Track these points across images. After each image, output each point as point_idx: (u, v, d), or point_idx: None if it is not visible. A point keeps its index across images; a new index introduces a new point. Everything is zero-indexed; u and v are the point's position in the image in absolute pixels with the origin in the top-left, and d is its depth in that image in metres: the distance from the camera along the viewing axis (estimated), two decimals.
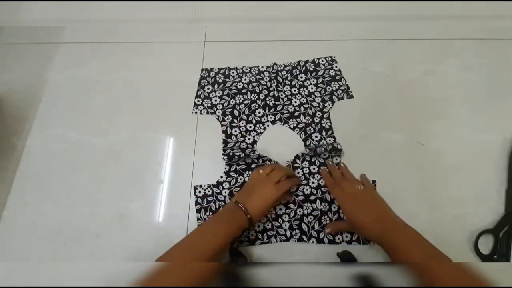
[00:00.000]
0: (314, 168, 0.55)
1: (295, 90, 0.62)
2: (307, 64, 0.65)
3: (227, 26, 0.70)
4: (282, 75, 0.64)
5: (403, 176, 0.54)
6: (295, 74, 0.64)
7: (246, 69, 0.65)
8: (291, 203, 0.52)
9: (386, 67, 0.64)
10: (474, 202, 0.52)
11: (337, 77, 0.63)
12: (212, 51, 0.68)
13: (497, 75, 0.63)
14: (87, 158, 0.58)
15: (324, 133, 0.58)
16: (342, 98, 0.61)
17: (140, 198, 0.54)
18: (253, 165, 0.55)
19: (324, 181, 0.53)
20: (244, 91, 0.63)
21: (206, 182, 0.54)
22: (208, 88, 0.63)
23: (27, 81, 0.66)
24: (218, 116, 0.60)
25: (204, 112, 0.61)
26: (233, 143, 0.57)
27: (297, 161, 0.55)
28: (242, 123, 0.59)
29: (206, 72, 0.65)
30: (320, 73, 0.64)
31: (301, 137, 0.58)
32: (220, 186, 0.54)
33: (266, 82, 0.63)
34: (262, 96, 0.61)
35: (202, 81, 0.64)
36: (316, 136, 0.58)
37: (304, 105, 0.61)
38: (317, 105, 0.61)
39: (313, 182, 0.54)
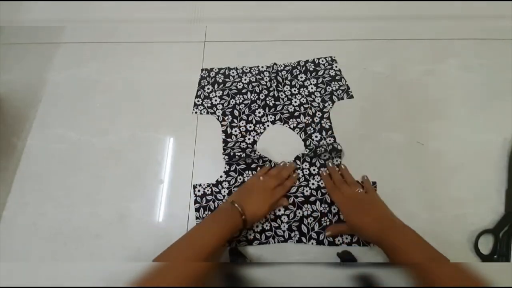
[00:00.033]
0: (314, 170, 0.55)
1: (295, 90, 0.62)
2: (307, 64, 0.65)
3: (227, 26, 0.70)
4: (282, 75, 0.64)
5: (403, 176, 0.54)
6: (295, 74, 0.64)
7: (246, 69, 0.65)
8: (291, 204, 0.52)
9: (386, 67, 0.64)
10: (474, 202, 0.52)
11: (337, 77, 0.63)
12: (212, 51, 0.68)
13: (497, 75, 0.62)
14: (87, 158, 0.58)
15: (324, 133, 0.58)
16: (342, 98, 0.61)
17: (140, 198, 0.54)
18: (253, 165, 0.55)
19: (324, 183, 0.53)
20: (244, 91, 0.63)
21: (206, 182, 0.54)
22: (208, 88, 0.63)
23: (27, 81, 0.66)
24: (218, 116, 0.60)
25: (204, 112, 0.61)
26: (233, 143, 0.57)
27: (297, 162, 0.55)
28: (242, 123, 0.59)
29: (206, 72, 0.65)
30: (320, 73, 0.64)
31: (301, 137, 0.58)
32: (219, 185, 0.54)
33: (266, 82, 0.63)
34: (262, 96, 0.61)
35: (202, 81, 0.64)
36: (316, 136, 0.58)
37: (304, 105, 0.61)
38: (317, 105, 0.61)
39: (313, 184, 0.53)
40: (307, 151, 0.55)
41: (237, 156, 0.54)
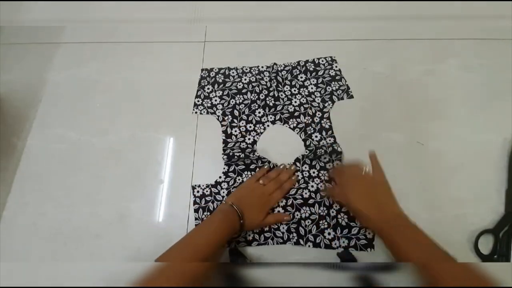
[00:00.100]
0: (314, 172, 0.54)
1: (295, 90, 0.62)
2: (307, 64, 0.65)
3: (227, 26, 0.70)
4: (282, 75, 0.64)
5: (403, 176, 0.54)
6: (295, 74, 0.64)
7: (246, 69, 0.65)
8: (289, 205, 0.52)
9: (386, 67, 0.64)
10: (474, 202, 0.52)
11: (337, 77, 0.63)
12: (212, 51, 0.68)
13: (497, 75, 0.62)
14: (87, 158, 0.58)
15: (324, 133, 0.58)
16: (342, 98, 0.61)
17: (140, 198, 0.54)
18: (252, 166, 0.55)
19: (331, 174, 0.53)
20: (244, 91, 0.63)
21: (206, 182, 0.54)
22: (208, 88, 0.63)
23: (27, 81, 0.66)
24: (218, 116, 0.60)
25: (204, 112, 0.61)
26: (233, 143, 0.57)
27: (297, 164, 0.55)
28: (242, 123, 0.59)
29: (206, 72, 0.65)
30: (320, 73, 0.64)
31: (301, 137, 0.58)
32: (218, 186, 0.54)
33: (266, 82, 0.63)
34: (262, 96, 0.61)
35: (202, 81, 0.64)
36: (316, 136, 0.58)
37: (304, 105, 0.61)
38: (317, 105, 0.61)
39: (312, 186, 0.53)
40: (307, 152, 0.55)
41: (236, 157, 0.54)
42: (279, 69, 0.65)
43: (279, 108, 0.61)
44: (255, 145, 0.57)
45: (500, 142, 0.56)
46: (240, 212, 0.46)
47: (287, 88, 0.63)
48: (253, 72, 0.65)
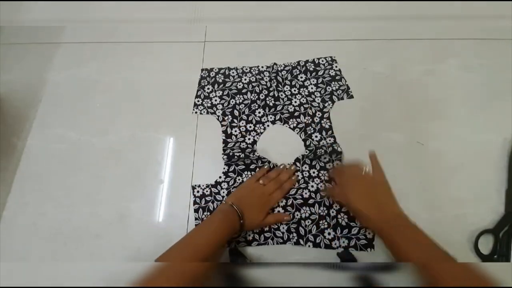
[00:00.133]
0: (314, 172, 0.54)
1: (295, 90, 0.62)
2: (307, 64, 0.65)
3: (227, 26, 0.70)
4: (282, 75, 0.64)
5: (403, 176, 0.54)
6: (295, 74, 0.64)
7: (246, 69, 0.65)
8: (289, 205, 0.52)
9: (386, 67, 0.64)
10: (474, 202, 0.52)
11: (337, 77, 0.63)
12: (212, 51, 0.68)
13: (497, 75, 0.62)
14: (87, 158, 0.58)
15: (324, 133, 0.58)
16: (342, 98, 0.61)
17: (140, 198, 0.54)
18: (252, 166, 0.55)
19: (331, 174, 0.53)
20: (244, 91, 0.63)
21: (206, 182, 0.54)
22: (208, 88, 0.63)
23: (27, 81, 0.66)
24: (218, 116, 0.60)
25: (204, 112, 0.61)
26: (233, 143, 0.57)
27: (297, 164, 0.55)
28: (242, 123, 0.59)
29: (206, 72, 0.65)
30: (320, 73, 0.64)
31: (301, 137, 0.58)
32: (218, 186, 0.54)
33: (266, 82, 0.63)
34: (262, 96, 0.61)
35: (202, 81, 0.64)
36: (316, 136, 0.58)
37: (304, 105, 0.61)
38: (317, 105, 0.61)
39: (312, 186, 0.53)
40: (307, 152, 0.55)
41: (236, 157, 0.54)
42: (279, 69, 0.65)
43: (279, 108, 0.61)
44: (255, 145, 0.57)
45: (500, 142, 0.56)
46: (240, 212, 0.46)
47: (287, 88, 0.63)
48: (253, 72, 0.65)
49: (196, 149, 0.57)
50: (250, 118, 0.60)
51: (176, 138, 0.59)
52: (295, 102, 0.61)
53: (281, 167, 0.55)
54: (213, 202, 0.53)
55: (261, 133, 0.59)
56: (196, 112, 0.61)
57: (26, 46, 0.71)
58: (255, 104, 0.61)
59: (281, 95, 0.62)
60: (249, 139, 0.58)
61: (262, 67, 0.65)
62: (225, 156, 0.55)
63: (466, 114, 0.59)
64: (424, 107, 0.60)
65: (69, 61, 0.68)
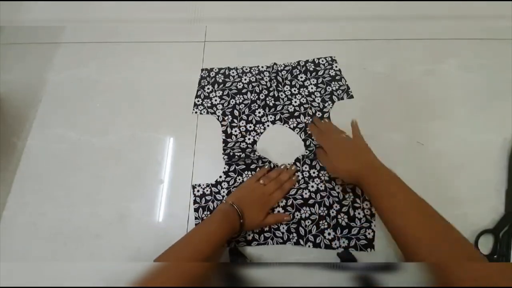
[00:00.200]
0: (314, 172, 0.54)
1: (295, 90, 0.62)
2: (307, 64, 0.65)
3: (227, 26, 0.70)
4: (282, 75, 0.64)
5: (403, 176, 0.53)
6: (295, 74, 0.64)
7: (246, 69, 0.65)
8: (289, 205, 0.52)
9: (386, 67, 0.64)
10: (474, 202, 0.52)
11: (337, 77, 0.63)
12: (212, 51, 0.68)
13: (497, 75, 0.62)
14: (87, 158, 0.58)
15: None
16: (342, 98, 0.61)
17: (140, 198, 0.54)
18: (252, 166, 0.55)
19: (311, 131, 0.56)
20: (244, 91, 0.63)
21: (206, 182, 0.54)
22: (208, 88, 0.63)
23: (27, 81, 0.66)
24: (218, 116, 0.60)
25: (204, 112, 0.61)
26: (233, 143, 0.57)
27: (297, 164, 0.55)
28: (242, 123, 0.59)
29: (206, 72, 0.65)
30: (320, 73, 0.64)
31: (301, 137, 0.58)
32: (218, 185, 0.54)
33: (266, 82, 0.63)
34: (262, 96, 0.61)
35: (202, 81, 0.64)
36: None
37: (304, 105, 0.61)
38: (317, 105, 0.61)
39: (312, 186, 0.53)
40: (307, 152, 0.55)
41: (236, 156, 0.54)
42: (279, 69, 0.65)
43: (279, 108, 0.61)
44: (255, 145, 0.57)
45: (500, 142, 0.56)
46: (240, 211, 0.46)
47: (287, 88, 0.63)
48: (253, 72, 0.65)
49: (196, 149, 0.57)
50: (250, 118, 0.60)
51: (176, 138, 0.59)
52: (295, 102, 0.61)
53: (281, 167, 0.55)
54: (213, 202, 0.53)
55: (261, 133, 0.59)
56: (196, 112, 0.61)
57: (26, 46, 0.71)
58: (255, 104, 0.61)
59: (281, 95, 0.62)
60: (249, 139, 0.58)
61: (262, 67, 0.65)
62: (226, 156, 0.55)
63: (466, 114, 0.59)
64: (424, 107, 0.60)
65: (69, 61, 0.68)
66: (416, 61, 0.65)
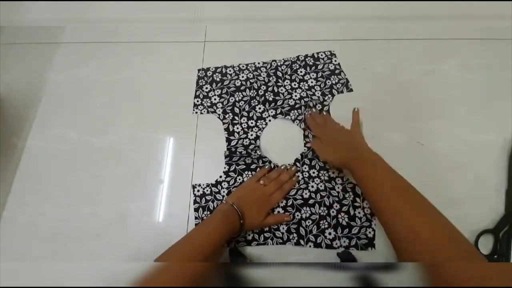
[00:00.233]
0: (314, 172, 0.55)
1: (295, 85, 0.63)
2: (306, 59, 0.66)
3: (227, 26, 0.70)
4: (282, 69, 0.64)
5: (403, 176, 0.53)
6: (295, 68, 0.65)
7: (243, 66, 0.65)
8: (289, 206, 0.52)
9: (386, 67, 0.64)
10: (474, 202, 0.52)
11: (337, 71, 0.64)
12: (212, 51, 0.68)
13: (497, 75, 0.62)
14: (87, 158, 0.58)
15: None
16: (342, 92, 0.62)
17: (140, 198, 0.54)
18: (253, 166, 0.55)
19: (308, 123, 0.57)
20: (242, 88, 0.63)
21: (206, 182, 0.54)
22: (207, 88, 0.63)
23: (27, 81, 0.66)
24: (219, 114, 0.60)
25: (204, 111, 0.61)
26: (236, 140, 0.58)
27: (297, 164, 0.55)
28: (244, 120, 0.59)
29: (203, 72, 0.65)
30: (319, 67, 0.64)
31: (300, 127, 0.58)
32: (219, 185, 0.54)
33: (264, 77, 0.63)
34: (261, 92, 0.62)
35: (200, 81, 0.64)
36: None
37: (304, 99, 0.61)
38: (317, 98, 0.61)
39: (312, 186, 0.53)
40: (306, 150, 0.56)
41: (239, 153, 0.55)
42: (279, 64, 0.65)
43: (279, 102, 0.61)
44: (258, 141, 0.57)
45: (500, 142, 0.56)
46: (240, 211, 0.46)
47: (287, 82, 0.63)
48: (250, 69, 0.65)
49: (196, 149, 0.57)
50: (251, 114, 0.60)
51: (176, 138, 0.59)
52: (296, 96, 0.61)
53: (282, 167, 0.55)
54: (213, 202, 0.53)
55: (263, 128, 0.59)
56: (196, 112, 0.61)
57: (26, 46, 0.71)
58: (254, 100, 0.61)
59: (281, 90, 0.62)
60: (251, 135, 0.58)
61: (259, 63, 0.65)
62: (228, 152, 0.55)
63: (466, 114, 0.59)
64: (424, 107, 0.60)
65: (69, 61, 0.68)
66: (416, 61, 0.65)
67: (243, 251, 0.49)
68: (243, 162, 0.55)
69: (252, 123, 0.59)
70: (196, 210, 0.52)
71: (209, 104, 0.62)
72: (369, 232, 0.49)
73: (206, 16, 0.72)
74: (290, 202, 0.52)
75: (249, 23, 0.71)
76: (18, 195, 0.55)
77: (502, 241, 0.48)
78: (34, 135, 0.60)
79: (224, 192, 0.54)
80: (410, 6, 0.70)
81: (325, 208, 0.52)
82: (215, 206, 0.52)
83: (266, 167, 0.55)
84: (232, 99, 0.62)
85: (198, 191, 0.54)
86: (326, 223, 0.51)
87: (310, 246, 0.49)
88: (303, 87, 0.62)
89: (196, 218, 0.52)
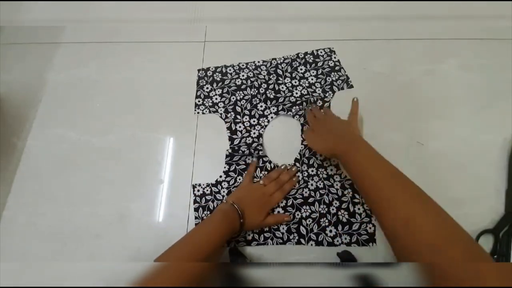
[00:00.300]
0: (312, 171, 0.55)
1: (295, 82, 0.63)
2: (306, 56, 0.66)
3: (227, 26, 0.70)
4: (282, 67, 0.64)
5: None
6: (295, 66, 0.65)
7: (243, 65, 0.65)
8: (289, 206, 0.52)
9: (386, 67, 0.64)
10: (474, 202, 0.52)
11: (337, 68, 0.64)
12: (212, 51, 0.68)
13: (497, 75, 0.62)
14: (87, 158, 0.58)
15: None
16: (342, 88, 0.62)
17: (140, 198, 0.54)
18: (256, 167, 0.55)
19: (308, 116, 0.58)
20: (243, 87, 0.63)
21: (206, 181, 0.54)
22: (207, 88, 0.63)
23: (27, 81, 0.66)
24: (221, 114, 0.60)
25: (206, 111, 0.61)
26: (239, 139, 0.58)
27: (297, 164, 0.55)
28: (246, 119, 0.60)
29: (203, 72, 0.65)
30: (319, 64, 0.65)
31: (300, 122, 0.59)
32: (219, 185, 0.54)
33: (264, 76, 0.63)
34: (262, 90, 0.62)
35: (200, 81, 0.64)
36: None
37: (305, 96, 0.61)
38: (318, 95, 0.61)
39: (311, 185, 0.53)
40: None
41: (241, 152, 0.54)
42: (279, 62, 0.65)
43: (280, 100, 0.61)
44: (260, 138, 0.57)
45: (500, 142, 0.56)
46: (240, 210, 0.46)
47: (287, 80, 0.63)
48: (250, 68, 0.65)
49: (196, 149, 0.58)
50: (253, 113, 0.60)
51: (176, 138, 0.59)
52: (296, 93, 0.61)
53: (281, 167, 0.55)
54: (213, 202, 0.53)
55: (266, 126, 0.59)
56: (198, 113, 0.61)
57: (26, 46, 0.71)
58: (256, 98, 0.61)
59: (282, 87, 0.62)
60: (254, 133, 0.58)
61: (259, 61, 0.65)
62: (231, 151, 0.56)
63: (466, 114, 0.59)
64: (424, 107, 0.60)
65: (69, 61, 0.68)
66: (416, 61, 0.65)
67: (243, 251, 0.49)
68: (243, 162, 0.56)
69: (254, 121, 0.59)
70: (196, 210, 0.52)
71: (210, 103, 0.62)
72: (370, 228, 0.50)
73: (206, 16, 0.72)
74: (290, 202, 0.52)
75: (249, 23, 0.71)
76: (18, 195, 0.55)
77: (502, 241, 0.48)
78: (34, 135, 0.60)
79: (224, 192, 0.54)
80: (410, 6, 0.70)
81: (324, 206, 0.52)
82: (215, 206, 0.52)
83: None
84: (233, 98, 0.62)
85: (198, 191, 0.54)
86: (327, 220, 0.51)
87: (311, 245, 0.49)
88: (303, 85, 0.62)
89: (196, 218, 0.52)
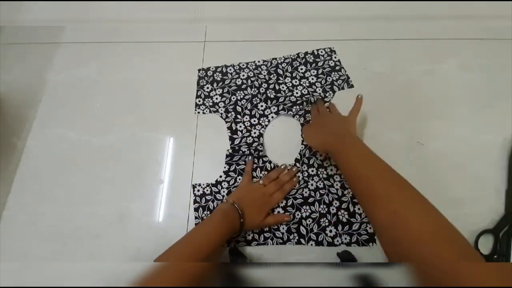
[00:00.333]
0: (312, 171, 0.55)
1: (296, 82, 0.63)
2: (306, 56, 0.66)
3: (227, 26, 0.70)
4: (283, 67, 0.64)
5: (403, 176, 0.53)
6: (295, 66, 0.65)
7: (243, 65, 0.65)
8: (289, 206, 0.52)
9: (386, 67, 0.64)
10: (474, 202, 0.52)
11: (337, 67, 0.64)
12: (212, 51, 0.68)
13: (497, 75, 0.62)
14: (87, 158, 0.58)
15: None
16: (343, 88, 0.62)
17: (140, 198, 0.54)
18: (253, 165, 0.55)
19: (311, 112, 0.58)
20: (243, 86, 0.63)
21: (206, 181, 0.54)
22: (208, 87, 0.63)
23: (27, 81, 0.66)
24: (221, 113, 0.60)
25: (206, 111, 0.61)
26: (240, 138, 0.58)
27: (297, 164, 0.55)
28: (246, 118, 0.60)
29: (203, 72, 0.65)
30: (320, 64, 0.65)
31: (299, 121, 0.59)
32: (219, 185, 0.54)
33: (265, 75, 0.63)
34: (262, 89, 0.62)
35: (200, 81, 0.64)
36: None
37: (306, 96, 0.61)
38: (318, 95, 0.61)
39: (311, 185, 0.53)
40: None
41: (242, 152, 0.54)
42: (279, 61, 0.65)
43: (281, 99, 0.61)
44: (261, 138, 0.57)
45: (500, 142, 0.56)
46: (241, 210, 0.46)
47: (288, 79, 0.63)
48: (250, 67, 0.65)
49: (196, 149, 0.58)
50: (253, 113, 0.60)
51: (176, 138, 0.59)
52: (297, 93, 0.61)
53: (281, 167, 0.55)
54: (213, 201, 0.53)
55: (266, 125, 0.59)
56: (199, 112, 0.61)
57: (26, 46, 0.71)
58: (256, 98, 0.61)
59: (282, 87, 0.62)
60: (254, 133, 0.58)
61: (259, 61, 0.65)
62: (231, 151, 0.56)
63: (466, 114, 0.59)
64: (424, 107, 0.60)
65: (69, 61, 0.68)
66: (416, 61, 0.65)
67: (243, 251, 0.49)
68: (243, 162, 0.55)
69: (254, 121, 0.59)
70: (196, 210, 0.52)
71: (211, 103, 0.62)
72: (370, 228, 0.50)
73: (206, 16, 0.72)
74: (290, 202, 0.52)
75: (249, 23, 0.71)
76: (18, 195, 0.55)
77: (502, 241, 0.48)
78: (34, 135, 0.60)
79: (224, 192, 0.54)
80: (410, 6, 0.70)
81: (324, 206, 0.52)
82: (215, 206, 0.52)
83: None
84: (234, 98, 0.62)
85: (198, 191, 0.54)
86: (327, 220, 0.51)
87: (311, 245, 0.49)
88: (304, 84, 0.62)
89: (196, 218, 0.52)
